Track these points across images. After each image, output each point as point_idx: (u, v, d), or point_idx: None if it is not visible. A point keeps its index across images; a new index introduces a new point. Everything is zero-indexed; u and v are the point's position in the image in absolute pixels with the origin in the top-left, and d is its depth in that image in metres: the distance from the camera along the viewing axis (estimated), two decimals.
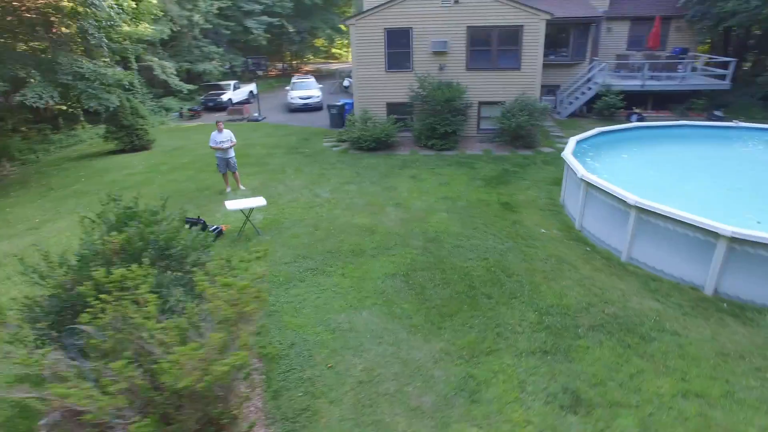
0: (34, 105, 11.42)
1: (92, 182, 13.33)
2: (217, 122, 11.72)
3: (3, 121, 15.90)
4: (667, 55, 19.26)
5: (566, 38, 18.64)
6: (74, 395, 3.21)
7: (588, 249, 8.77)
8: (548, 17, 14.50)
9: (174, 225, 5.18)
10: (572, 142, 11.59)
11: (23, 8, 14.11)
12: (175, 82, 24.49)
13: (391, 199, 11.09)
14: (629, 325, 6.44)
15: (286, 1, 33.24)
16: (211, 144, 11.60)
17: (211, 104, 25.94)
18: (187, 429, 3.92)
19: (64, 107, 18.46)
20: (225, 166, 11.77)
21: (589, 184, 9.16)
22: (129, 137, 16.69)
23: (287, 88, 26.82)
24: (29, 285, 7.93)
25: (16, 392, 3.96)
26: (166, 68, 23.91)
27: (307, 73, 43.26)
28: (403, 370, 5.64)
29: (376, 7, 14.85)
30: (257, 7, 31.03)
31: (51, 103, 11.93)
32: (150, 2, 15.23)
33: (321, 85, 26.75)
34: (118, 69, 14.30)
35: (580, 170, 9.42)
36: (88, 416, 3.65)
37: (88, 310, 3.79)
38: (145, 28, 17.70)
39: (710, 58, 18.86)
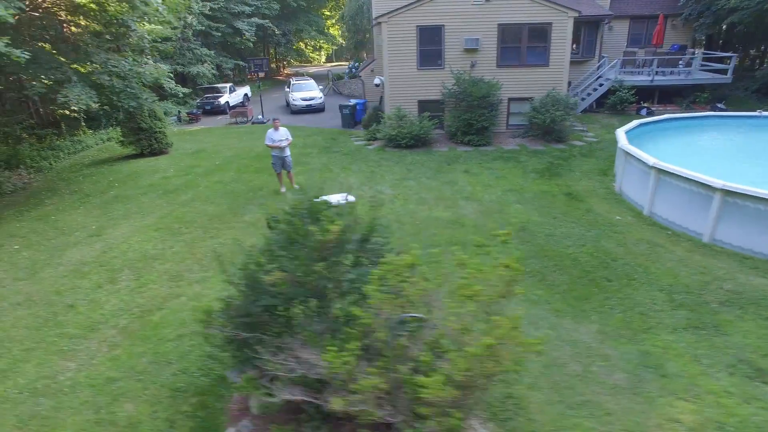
0: (77, 107, 10.73)
1: (128, 187, 12.64)
2: (273, 120, 11.42)
3: (9, 128, 14.83)
4: (667, 51, 20.27)
5: (576, 36, 19.25)
6: (435, 387, 3.06)
7: (669, 233, 9.09)
8: (576, 14, 14.98)
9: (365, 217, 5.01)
10: (622, 133, 12.01)
11: (29, 8, 13.26)
12: (171, 85, 23.56)
13: (458, 193, 11.13)
14: (754, 299, 6.73)
15: (273, 2, 32.70)
16: (268, 142, 11.28)
17: (208, 108, 25.17)
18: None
19: (67, 112, 17.43)
20: (281, 165, 11.46)
21: (662, 171, 9.51)
22: (148, 141, 15.94)
23: (287, 89, 26.36)
24: (127, 292, 7.52)
25: (298, 394, 3.71)
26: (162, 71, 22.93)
27: (288, 76, 42.76)
28: (575, 351, 5.69)
29: (408, 4, 14.87)
30: (247, 9, 30.37)
31: (92, 105, 11.25)
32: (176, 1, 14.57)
33: (321, 86, 26.47)
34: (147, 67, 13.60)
35: (651, 159, 9.75)
36: (372, 417, 3.49)
37: (369, 301, 3.62)
38: (153, 28, 16.93)
39: (705, 53, 19.98)
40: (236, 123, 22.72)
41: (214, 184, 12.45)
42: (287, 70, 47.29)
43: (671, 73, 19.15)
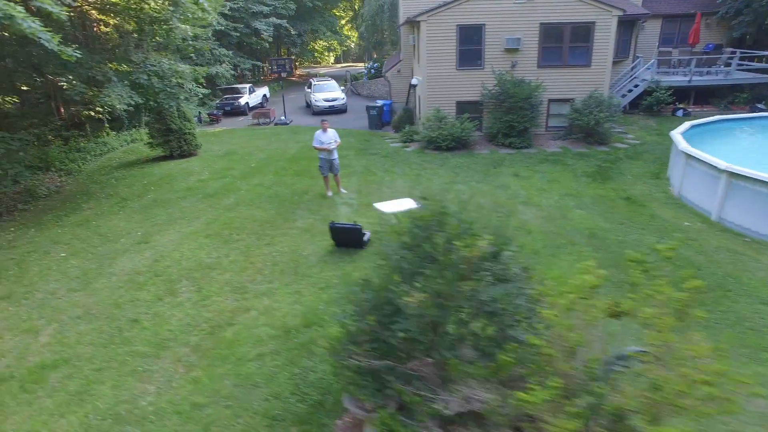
0: (117, 106, 10.36)
1: (164, 191, 12.22)
2: (322, 122, 10.98)
3: (38, 129, 14.42)
4: (703, 51, 19.83)
5: None
6: None
7: (747, 240, 8.66)
8: (620, 13, 14.55)
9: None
10: (679, 136, 11.56)
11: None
12: (190, 86, 23.14)
13: (513, 197, 10.70)
14: None
15: (290, 2, 32.29)
16: (315, 144, 10.85)
17: (228, 108, 24.77)
18: None
19: (92, 113, 17.01)
20: (328, 168, 11.03)
21: (736, 175, 9.07)
22: (177, 142, 15.54)
23: (307, 89, 25.95)
24: (191, 305, 7.08)
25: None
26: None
27: (301, 77, 42.36)
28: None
29: (447, 3, 14.44)
30: (264, 9, 29.96)
31: (132, 103, 10.85)
32: None
33: (343, 87, 26.05)
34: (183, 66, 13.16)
35: (722, 162, 9.32)
36: None
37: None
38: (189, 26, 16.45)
39: (744, 52, 19.49)
40: (258, 124, 22.32)
41: (255, 188, 12.01)
42: (299, 71, 46.87)
43: (707, 73, 18.72)
